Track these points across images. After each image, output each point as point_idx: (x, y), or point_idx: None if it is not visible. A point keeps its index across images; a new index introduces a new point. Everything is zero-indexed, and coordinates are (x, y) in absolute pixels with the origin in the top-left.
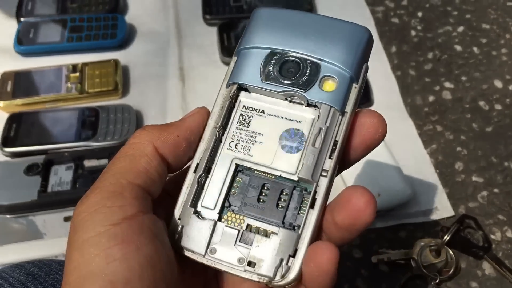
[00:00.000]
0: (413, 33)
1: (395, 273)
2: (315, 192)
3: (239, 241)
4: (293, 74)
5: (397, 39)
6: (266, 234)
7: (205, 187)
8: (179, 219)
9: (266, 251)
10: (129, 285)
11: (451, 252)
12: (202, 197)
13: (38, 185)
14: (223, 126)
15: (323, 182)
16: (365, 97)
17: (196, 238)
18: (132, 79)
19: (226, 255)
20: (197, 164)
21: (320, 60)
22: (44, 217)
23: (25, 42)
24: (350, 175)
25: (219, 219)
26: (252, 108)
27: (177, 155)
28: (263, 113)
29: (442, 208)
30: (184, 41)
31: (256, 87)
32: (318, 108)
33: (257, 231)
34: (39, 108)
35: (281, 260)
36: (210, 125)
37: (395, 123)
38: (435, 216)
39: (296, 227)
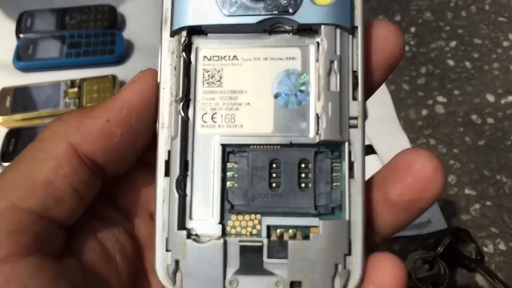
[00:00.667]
0: (406, 48)
1: None
2: (349, 153)
3: (267, 257)
4: None
5: None
6: (300, 233)
7: (188, 192)
8: (168, 250)
9: (311, 259)
10: None
11: (444, 264)
12: (189, 207)
13: None
14: (185, 94)
15: (356, 136)
16: None
17: (203, 273)
18: None
19: (255, 284)
20: (166, 163)
21: None
22: None
23: (24, 58)
24: None
25: (224, 231)
26: (218, 56)
27: (111, 149)
28: (236, 59)
29: (435, 221)
30: None
31: (218, 26)
32: (314, 31)
33: (286, 232)
34: (38, 123)
35: (336, 266)
36: (165, 98)
37: (389, 136)
38: (428, 229)
39: (336, 209)
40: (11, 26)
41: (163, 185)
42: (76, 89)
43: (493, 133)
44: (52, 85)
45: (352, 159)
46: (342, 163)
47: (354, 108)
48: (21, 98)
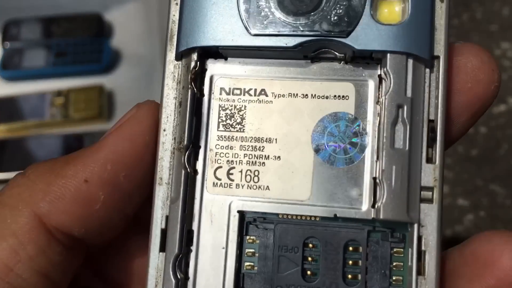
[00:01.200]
0: None
1: None
2: (419, 238)
3: None
4: (312, 2)
5: None
6: None
7: (191, 274)
8: None
9: None
10: None
11: None
12: None
13: None
14: (193, 140)
15: (431, 215)
16: None
17: None
18: (118, 104)
19: None
20: (162, 233)
21: None
22: None
23: (10, 67)
24: None
25: None
26: (241, 89)
27: (91, 219)
28: (265, 94)
29: None
30: None
31: (242, 48)
32: (375, 61)
33: None
34: (24, 134)
35: None
36: (166, 144)
37: None
38: None
39: None
40: None
41: (156, 263)
42: (62, 99)
43: (486, 143)
44: (38, 95)
45: (423, 247)
46: (408, 251)
47: (429, 175)
48: (6, 108)
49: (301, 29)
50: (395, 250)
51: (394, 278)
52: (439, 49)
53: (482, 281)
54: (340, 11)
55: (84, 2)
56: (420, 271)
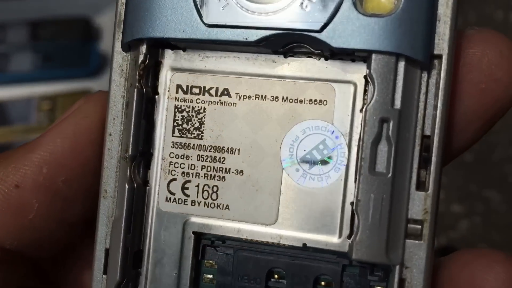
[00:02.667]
0: None
1: None
2: (401, 282)
3: None
4: None
5: None
6: None
7: None
8: None
9: None
10: None
11: None
12: None
13: None
14: (143, 147)
15: (418, 254)
16: None
17: None
18: None
19: None
20: (106, 253)
21: None
22: None
23: None
24: None
25: None
26: (200, 88)
27: (24, 230)
28: (228, 95)
29: None
30: None
31: (194, 41)
32: (360, 59)
33: None
34: (10, 140)
35: None
36: (112, 151)
37: None
38: None
39: None
40: None
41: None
42: (49, 104)
43: (480, 148)
44: (24, 99)
45: None
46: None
47: (419, 205)
48: None
49: (265, 20)
50: (373, 286)
51: None
52: (442, 46)
53: None
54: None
55: (71, 5)
56: None
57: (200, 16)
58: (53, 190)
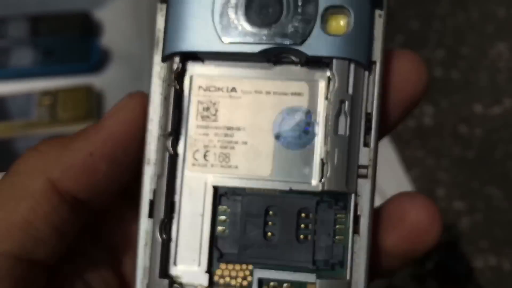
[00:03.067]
0: None
1: None
2: (356, 206)
3: None
4: (273, 16)
5: None
6: None
7: (174, 236)
8: None
9: None
10: None
11: (434, 280)
12: (173, 253)
13: None
14: (175, 128)
15: (365, 187)
16: None
17: None
18: (107, 104)
19: None
20: (151, 203)
21: None
22: None
23: None
24: None
25: (211, 280)
26: (215, 87)
27: (94, 186)
28: (235, 91)
29: None
30: None
31: (215, 53)
32: (325, 65)
33: None
34: (10, 135)
35: None
36: (153, 132)
37: None
38: None
39: (337, 266)
40: None
41: (146, 227)
42: (50, 99)
43: (481, 145)
44: (25, 94)
45: (359, 212)
46: (347, 216)
47: (365, 156)
48: None
49: (264, 38)
50: (338, 216)
51: (337, 237)
52: (377, 55)
53: (396, 232)
54: (296, 24)
55: (73, 0)
56: (357, 231)
57: (219, 36)
58: (114, 158)
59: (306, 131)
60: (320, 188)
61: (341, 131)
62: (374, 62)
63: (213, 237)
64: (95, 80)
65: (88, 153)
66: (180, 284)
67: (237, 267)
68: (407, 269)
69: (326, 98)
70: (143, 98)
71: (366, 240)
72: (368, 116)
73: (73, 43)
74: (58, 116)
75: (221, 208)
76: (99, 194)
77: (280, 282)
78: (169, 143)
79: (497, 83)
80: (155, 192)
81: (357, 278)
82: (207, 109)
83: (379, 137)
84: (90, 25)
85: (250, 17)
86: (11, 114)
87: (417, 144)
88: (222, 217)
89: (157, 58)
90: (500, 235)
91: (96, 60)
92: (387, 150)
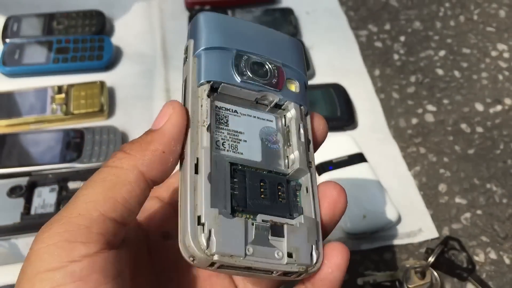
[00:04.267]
0: (396, 57)
1: None
2: (312, 180)
3: (271, 235)
4: (265, 75)
5: (381, 63)
6: (286, 225)
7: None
8: (201, 224)
9: (299, 240)
10: None
11: (436, 273)
12: (211, 198)
13: (21, 208)
14: (208, 125)
15: (313, 172)
16: (350, 119)
17: (231, 240)
18: (118, 101)
19: (264, 252)
20: (195, 165)
21: (282, 64)
22: (27, 240)
23: (10, 63)
24: None
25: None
26: (225, 108)
27: (164, 172)
28: (237, 112)
29: (427, 229)
30: (170, 63)
31: (233, 86)
32: (281, 109)
33: (278, 223)
34: (23, 130)
35: (312, 247)
36: (195, 123)
37: (379, 145)
38: (419, 238)
39: (298, 214)
40: None
41: (194, 179)
42: (63, 95)
43: (482, 142)
44: (38, 91)
45: (308, 186)
46: (304, 188)
47: (310, 156)
48: (6, 103)
49: (262, 84)
50: (296, 188)
51: (298, 199)
52: (308, 110)
53: (323, 204)
54: (276, 81)
55: None
56: (313, 196)
57: (236, 77)
58: (176, 152)
59: (276, 140)
60: (288, 172)
61: (302, 139)
62: (309, 113)
63: (231, 195)
64: (106, 78)
65: (162, 151)
66: (228, 215)
67: (248, 215)
68: (411, 263)
69: (284, 124)
70: (180, 104)
71: (318, 200)
72: (309, 140)
73: (86, 41)
74: (71, 112)
75: (234, 177)
76: (164, 178)
77: (273, 222)
78: (211, 130)
79: (498, 83)
80: (198, 160)
81: (318, 220)
82: (222, 119)
83: (314, 149)
84: (103, 24)
85: (253, 72)
86: (25, 110)
87: (419, 141)
88: (234, 183)
89: (191, 84)
90: (500, 230)
91: (109, 58)
92: (390, 147)
